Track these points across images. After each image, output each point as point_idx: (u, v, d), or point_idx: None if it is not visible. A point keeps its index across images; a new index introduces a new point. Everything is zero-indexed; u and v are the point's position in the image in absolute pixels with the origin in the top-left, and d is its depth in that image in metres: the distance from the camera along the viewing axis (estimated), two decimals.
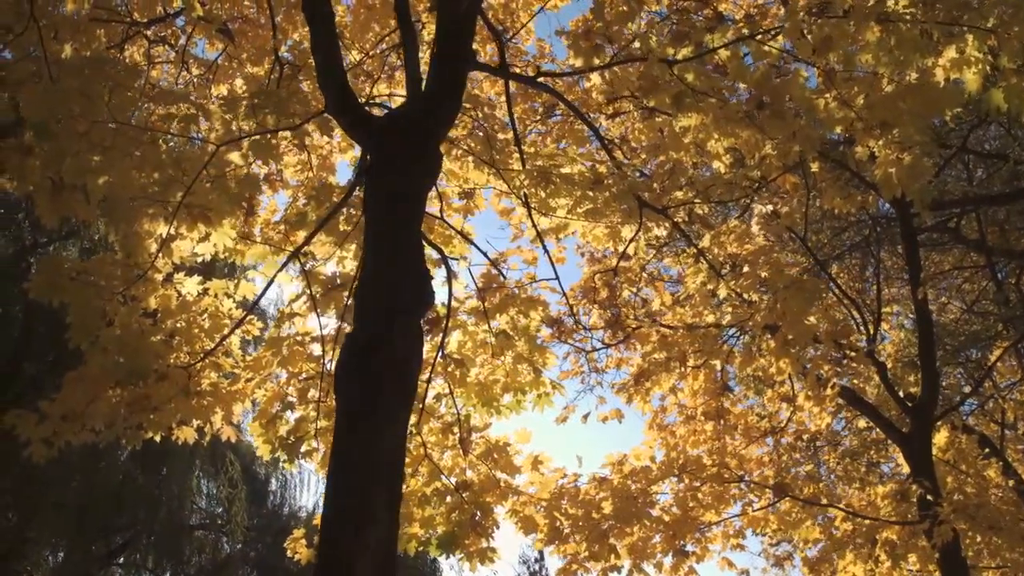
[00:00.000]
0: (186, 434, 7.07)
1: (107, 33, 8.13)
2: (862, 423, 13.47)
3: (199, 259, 6.30)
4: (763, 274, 7.20)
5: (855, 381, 11.82)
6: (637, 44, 6.03)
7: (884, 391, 11.27)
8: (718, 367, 9.48)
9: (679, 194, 7.21)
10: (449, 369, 6.61)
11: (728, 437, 10.68)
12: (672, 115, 6.14)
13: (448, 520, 6.95)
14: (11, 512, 13.25)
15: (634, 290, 9.22)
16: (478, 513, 6.92)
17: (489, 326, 6.74)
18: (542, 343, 10.29)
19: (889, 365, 13.42)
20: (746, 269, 7.40)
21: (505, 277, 7.05)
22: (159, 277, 5.90)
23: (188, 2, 7.71)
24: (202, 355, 6.36)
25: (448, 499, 6.95)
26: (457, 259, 6.84)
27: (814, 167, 6.68)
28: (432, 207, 8.09)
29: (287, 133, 7.26)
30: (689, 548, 9.78)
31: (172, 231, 5.66)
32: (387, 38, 9.17)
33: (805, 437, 11.28)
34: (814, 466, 14.12)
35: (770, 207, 7.18)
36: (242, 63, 8.85)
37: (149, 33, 9.01)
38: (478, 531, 7.01)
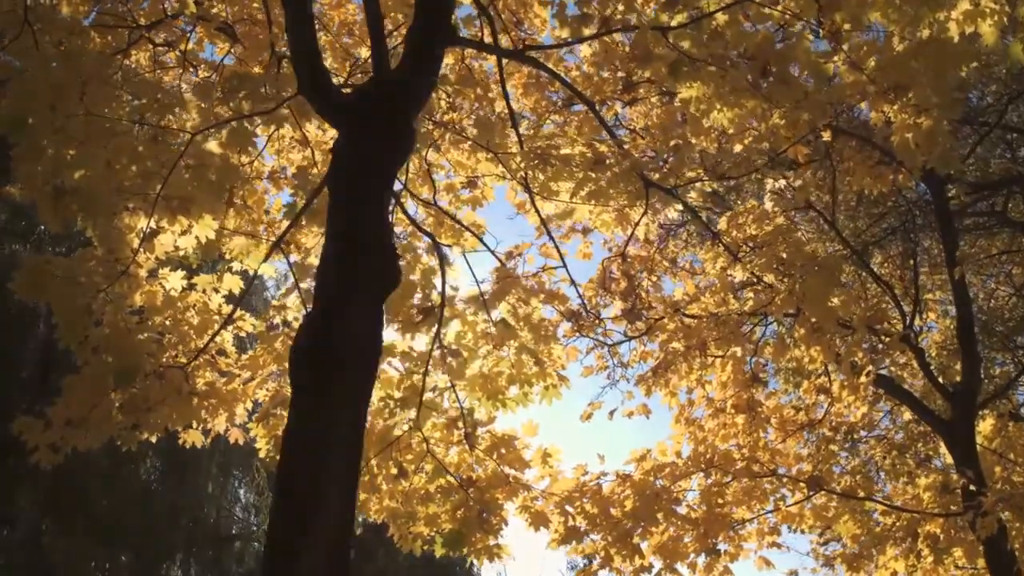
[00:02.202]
0: (193, 437, 6.95)
1: (115, 38, 8.08)
2: (908, 415, 12.91)
3: (207, 256, 6.14)
4: (781, 253, 6.82)
5: (892, 368, 11.30)
6: (622, 7, 5.73)
7: (929, 381, 10.75)
8: (742, 355, 9.05)
9: (691, 174, 6.90)
10: (447, 361, 6.36)
11: (761, 431, 10.26)
12: (670, 87, 5.82)
13: (454, 518, 6.70)
14: (45, 523, 13.35)
15: (654, 278, 8.88)
16: (484, 511, 6.66)
17: (488, 315, 6.48)
18: (563, 336, 10.09)
19: (934, 353, 12.87)
20: (764, 249, 7.04)
21: (504, 266, 6.78)
22: (143, 273, 5.75)
23: (183, 1, 7.61)
24: (195, 353, 6.20)
25: (454, 496, 6.70)
26: (450, 245, 6.60)
27: (826, 136, 6.30)
28: (441, 200, 7.91)
29: (287, 128, 7.18)
30: (722, 547, 9.40)
31: (153, 225, 5.52)
32: (396, 32, 8.99)
33: (842, 429, 10.77)
34: (861, 462, 13.59)
35: (783, 182, 6.81)
36: (247, 63, 8.74)
37: (158, 38, 8.93)
38: (485, 528, 6.75)
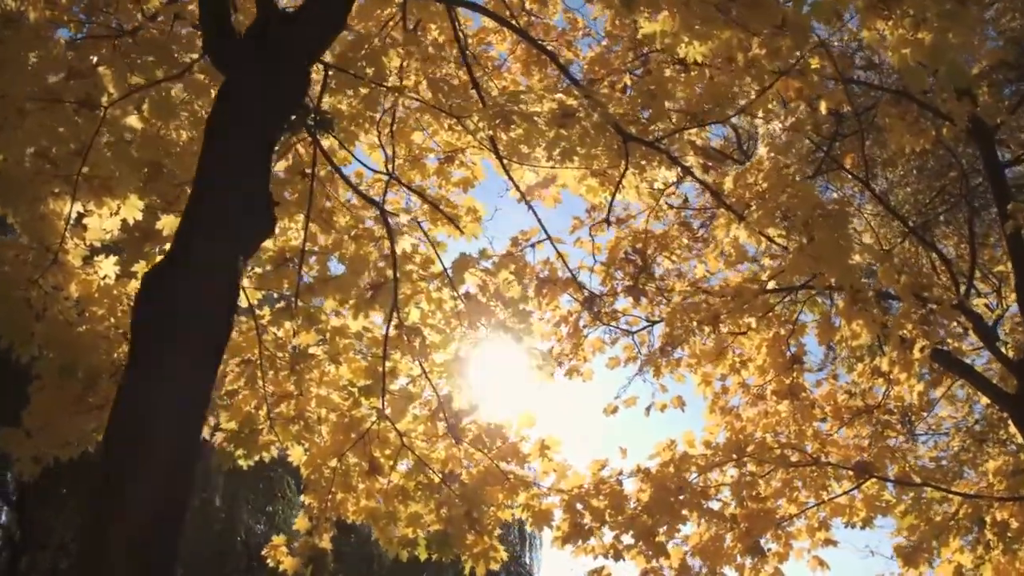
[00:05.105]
0: None
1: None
2: (984, 400, 11.77)
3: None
4: (783, 200, 6.10)
5: (952, 342, 10.26)
6: None
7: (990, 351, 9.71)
8: (758, 327, 8.26)
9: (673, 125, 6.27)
10: (408, 341, 5.83)
11: (812, 419, 9.37)
12: (626, 15, 5.23)
13: (438, 517, 6.15)
14: None
15: (667, 254, 8.22)
16: (472, 509, 6.08)
17: (455, 291, 5.94)
18: (584, 327, 9.45)
19: (1008, 328, 11.76)
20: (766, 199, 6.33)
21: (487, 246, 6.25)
22: (74, 260, 5.41)
23: None
24: None
25: (437, 494, 6.16)
26: (397, 214, 6.08)
27: (814, 63, 5.58)
28: (431, 184, 7.45)
29: None
30: (768, 546, 8.57)
31: (80, 208, 5.20)
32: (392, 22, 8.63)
33: (898, 413, 9.79)
34: (949, 455, 12.48)
35: (777, 125, 6.10)
36: None
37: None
38: (477, 529, 6.18)
